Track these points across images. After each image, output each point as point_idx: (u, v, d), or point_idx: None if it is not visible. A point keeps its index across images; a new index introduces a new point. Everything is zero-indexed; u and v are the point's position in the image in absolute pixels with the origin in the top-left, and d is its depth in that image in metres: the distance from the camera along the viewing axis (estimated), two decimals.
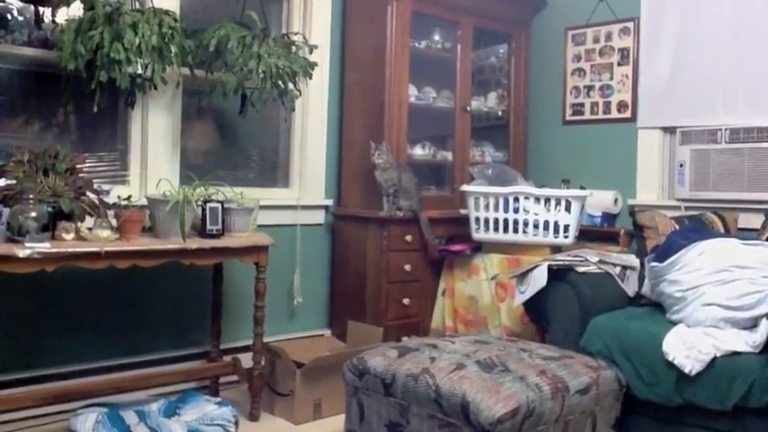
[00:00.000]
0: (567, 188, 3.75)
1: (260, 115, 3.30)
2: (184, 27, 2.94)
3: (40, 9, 2.66)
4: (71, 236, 2.45)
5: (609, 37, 3.95)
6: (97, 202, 2.59)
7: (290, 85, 3.17)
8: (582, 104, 4.07)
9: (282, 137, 3.77)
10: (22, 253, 2.28)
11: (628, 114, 3.86)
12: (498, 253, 3.49)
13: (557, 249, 3.32)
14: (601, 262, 2.90)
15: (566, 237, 3.37)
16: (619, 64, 3.91)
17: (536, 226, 3.39)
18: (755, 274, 2.48)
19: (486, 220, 3.48)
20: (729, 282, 2.48)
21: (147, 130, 3.15)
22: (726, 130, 3.42)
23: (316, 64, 3.30)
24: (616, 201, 3.83)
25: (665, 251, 2.68)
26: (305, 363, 2.96)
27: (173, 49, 2.79)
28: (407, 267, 3.54)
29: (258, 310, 2.95)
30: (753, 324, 2.41)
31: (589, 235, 3.67)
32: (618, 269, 2.93)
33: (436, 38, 3.95)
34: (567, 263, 2.86)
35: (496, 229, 3.46)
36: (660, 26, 3.71)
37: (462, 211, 3.68)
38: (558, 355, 2.35)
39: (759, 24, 3.36)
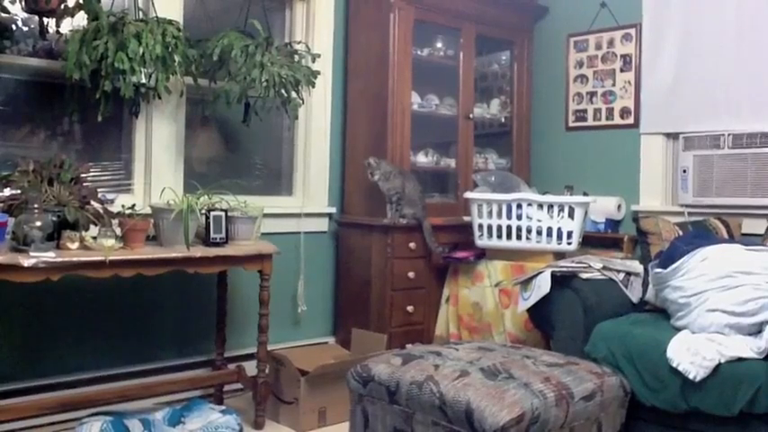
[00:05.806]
0: (571, 195, 3.76)
1: (263, 124, 3.32)
2: (188, 36, 2.97)
3: (45, 19, 2.67)
4: (76, 245, 2.46)
5: (611, 43, 3.95)
6: (101, 211, 2.60)
7: (293, 94, 3.18)
8: (585, 111, 4.07)
9: (286, 145, 3.78)
10: (27, 262, 2.28)
11: (630, 120, 3.86)
12: (502, 260, 3.49)
13: (560, 256, 3.32)
14: (604, 268, 2.89)
15: (569, 243, 3.37)
16: (621, 70, 3.91)
17: (539, 233, 3.39)
18: (759, 279, 2.47)
19: (490, 227, 3.48)
20: (733, 287, 2.47)
21: (151, 139, 3.16)
22: (729, 135, 3.41)
23: (318, 72, 3.32)
24: (619, 207, 3.82)
25: (669, 257, 2.68)
26: (309, 370, 2.96)
27: (176, 58, 2.82)
28: (411, 275, 3.54)
29: (262, 318, 2.95)
30: (757, 330, 2.40)
31: (593, 241, 3.67)
32: (622, 275, 2.93)
33: (438, 45, 3.96)
34: (570, 269, 2.85)
35: (500, 236, 3.46)
36: (662, 32, 3.71)
37: (466, 218, 3.68)
38: (563, 362, 2.34)
39: (761, 29, 3.36)
